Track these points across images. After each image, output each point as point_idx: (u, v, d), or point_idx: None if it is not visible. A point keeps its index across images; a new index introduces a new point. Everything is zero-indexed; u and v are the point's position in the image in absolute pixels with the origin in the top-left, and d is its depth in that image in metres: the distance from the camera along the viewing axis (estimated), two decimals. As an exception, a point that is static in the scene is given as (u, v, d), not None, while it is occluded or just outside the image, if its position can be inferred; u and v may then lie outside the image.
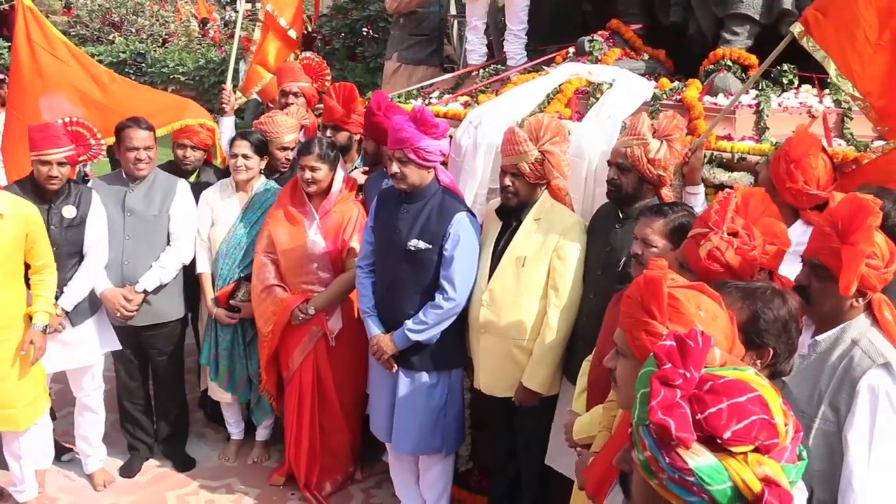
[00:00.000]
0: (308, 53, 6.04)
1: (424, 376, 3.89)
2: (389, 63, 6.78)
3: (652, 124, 3.42)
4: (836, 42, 3.36)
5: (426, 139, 3.60)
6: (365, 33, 9.87)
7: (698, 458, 1.29)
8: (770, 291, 2.16)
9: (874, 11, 3.28)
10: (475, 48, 5.81)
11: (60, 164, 4.06)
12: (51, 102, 4.95)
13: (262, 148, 4.59)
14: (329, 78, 5.68)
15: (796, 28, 3.46)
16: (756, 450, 1.29)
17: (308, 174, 4.20)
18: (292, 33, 6.49)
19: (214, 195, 4.63)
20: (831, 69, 3.41)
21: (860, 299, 2.46)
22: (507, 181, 3.61)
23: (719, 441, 1.29)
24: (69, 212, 4.16)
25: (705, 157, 3.71)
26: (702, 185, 3.64)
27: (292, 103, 5.28)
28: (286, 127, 4.73)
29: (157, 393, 4.85)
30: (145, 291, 4.38)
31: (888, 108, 3.37)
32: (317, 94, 5.52)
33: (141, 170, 4.38)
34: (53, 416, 4.79)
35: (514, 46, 5.58)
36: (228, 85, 5.86)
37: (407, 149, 3.61)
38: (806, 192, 3.20)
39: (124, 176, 4.44)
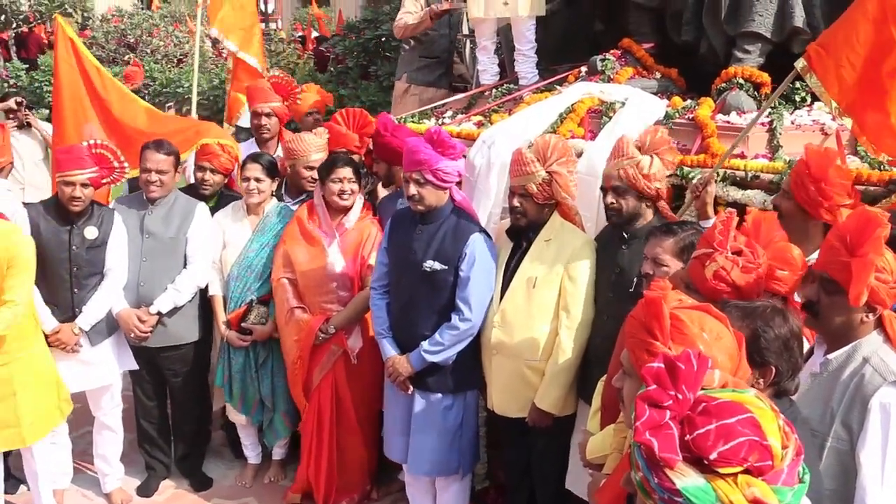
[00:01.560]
0: (276, 72, 6.08)
1: (440, 397, 3.88)
2: (399, 83, 6.84)
3: (635, 142, 3.44)
4: (836, 78, 3.38)
5: (444, 160, 3.62)
6: (377, 52, 9.93)
7: (686, 479, 1.31)
8: (770, 310, 2.17)
9: (873, 47, 3.29)
10: (486, 68, 5.86)
11: (84, 185, 4.11)
12: (90, 129, 5.06)
13: (274, 170, 4.62)
14: (299, 95, 5.69)
15: (800, 64, 3.48)
16: (747, 471, 1.30)
17: (347, 186, 4.23)
18: (248, 58, 6.65)
19: (226, 218, 4.66)
20: (832, 106, 3.44)
21: (870, 315, 2.46)
22: (516, 202, 3.63)
23: (706, 462, 1.30)
24: (91, 233, 4.20)
25: (718, 175, 3.72)
26: (714, 219, 3.62)
27: (265, 124, 5.31)
28: (314, 146, 4.68)
29: (174, 413, 4.87)
30: (159, 313, 4.41)
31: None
32: (288, 112, 5.54)
33: (152, 192, 4.43)
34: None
35: (525, 66, 5.62)
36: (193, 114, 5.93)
37: (425, 170, 3.63)
38: (844, 206, 3.18)
39: (144, 198, 4.49)
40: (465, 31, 7.09)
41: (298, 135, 4.77)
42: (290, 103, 5.59)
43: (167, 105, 11.36)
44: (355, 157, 4.63)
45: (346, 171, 4.23)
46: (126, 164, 4.38)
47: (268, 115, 5.35)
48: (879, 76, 3.30)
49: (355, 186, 4.27)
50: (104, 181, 4.29)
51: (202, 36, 14.42)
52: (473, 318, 3.71)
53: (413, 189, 3.69)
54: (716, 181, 3.70)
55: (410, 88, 6.79)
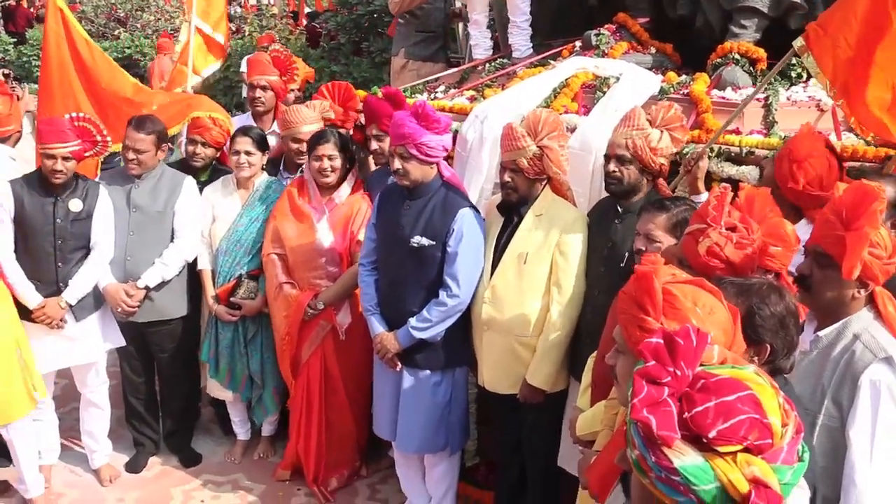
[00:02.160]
0: (276, 46, 6.01)
1: (428, 374, 3.87)
2: (396, 59, 6.78)
3: (647, 115, 3.41)
4: (832, 59, 3.37)
5: (428, 134, 3.58)
6: (370, 28, 9.84)
7: (684, 458, 1.28)
8: (766, 287, 2.13)
9: (870, 28, 3.27)
10: (479, 42, 5.81)
11: (65, 158, 4.06)
12: (68, 99, 5.04)
13: (264, 144, 4.57)
14: (297, 72, 5.62)
15: (798, 42, 3.48)
16: (746, 450, 1.27)
17: (326, 163, 4.19)
18: (218, 37, 6.65)
19: (216, 192, 4.62)
20: (827, 87, 3.43)
21: (862, 290, 2.45)
22: (507, 177, 3.59)
23: (705, 440, 1.27)
24: (75, 205, 4.16)
25: (713, 150, 3.68)
26: (705, 194, 3.57)
27: (260, 97, 5.24)
28: (308, 119, 4.57)
29: (162, 389, 4.85)
30: (147, 288, 4.37)
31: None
32: (285, 87, 5.46)
33: (131, 169, 4.38)
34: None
35: (519, 38, 5.57)
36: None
37: (409, 144, 3.59)
38: (808, 193, 3.17)
39: (127, 172, 4.44)
40: (459, 4, 7.00)
41: (294, 106, 4.70)
42: (286, 79, 5.52)
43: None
44: (342, 132, 4.57)
45: (327, 148, 4.18)
46: (108, 138, 4.33)
47: (263, 87, 5.27)
48: (873, 59, 3.29)
49: (337, 163, 4.22)
50: (87, 154, 4.24)
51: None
52: (461, 294, 3.68)
53: (398, 163, 3.65)
54: (710, 157, 3.67)
55: (408, 64, 6.73)
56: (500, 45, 5.96)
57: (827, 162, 3.20)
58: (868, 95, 3.37)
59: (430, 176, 3.74)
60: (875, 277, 2.41)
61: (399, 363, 3.87)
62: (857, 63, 3.35)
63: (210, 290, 4.52)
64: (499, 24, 5.98)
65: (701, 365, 1.40)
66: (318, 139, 4.25)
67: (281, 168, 4.84)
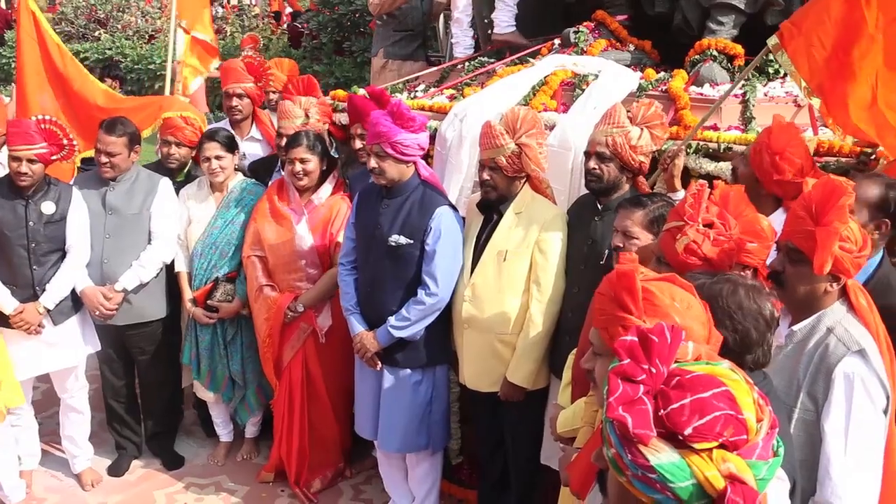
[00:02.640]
0: (249, 52, 5.99)
1: (409, 373, 3.87)
2: (376, 60, 6.77)
3: (628, 112, 3.40)
4: (807, 58, 3.39)
5: (403, 133, 3.58)
6: (351, 28, 9.83)
7: (660, 455, 1.27)
8: (720, 281, 2.11)
9: (845, 28, 3.29)
10: (460, 41, 5.80)
11: (30, 161, 4.04)
12: (44, 99, 5.01)
13: (233, 144, 4.56)
14: (273, 77, 5.59)
15: (772, 41, 3.49)
16: (722, 446, 1.27)
17: (298, 166, 4.16)
18: (207, 38, 6.66)
19: (191, 194, 4.60)
20: (802, 85, 3.44)
21: (834, 284, 2.46)
22: (486, 175, 3.59)
23: (681, 437, 1.26)
24: (48, 207, 4.13)
25: (691, 147, 3.69)
26: (682, 192, 3.58)
27: (237, 105, 5.20)
28: (294, 115, 4.53)
29: (143, 392, 4.83)
30: (124, 290, 4.35)
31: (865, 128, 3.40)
32: (262, 93, 5.44)
33: (104, 172, 4.35)
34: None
35: (503, 14, 5.53)
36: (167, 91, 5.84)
37: (384, 143, 3.60)
38: (793, 183, 3.18)
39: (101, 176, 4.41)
40: None
41: (281, 103, 4.64)
42: (262, 84, 5.50)
43: None
44: (319, 133, 4.53)
45: (299, 151, 4.16)
46: (75, 142, 4.33)
47: (240, 95, 5.23)
48: (850, 59, 3.30)
49: (311, 166, 4.18)
50: (53, 158, 4.20)
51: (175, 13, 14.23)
52: (440, 292, 3.67)
53: (374, 162, 3.66)
54: (689, 153, 3.67)
55: (388, 63, 6.72)
56: (481, 44, 5.95)
57: (804, 149, 3.23)
58: (851, 94, 3.37)
59: (408, 175, 3.74)
60: (846, 271, 2.42)
61: (379, 362, 3.87)
62: (833, 63, 3.36)
63: (187, 293, 4.50)
64: (479, 23, 5.98)
65: (675, 362, 1.40)
66: (290, 142, 4.23)
67: (278, 166, 4.77)
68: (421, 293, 3.69)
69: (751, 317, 2.04)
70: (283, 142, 4.45)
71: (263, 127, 5.29)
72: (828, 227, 2.35)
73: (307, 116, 4.54)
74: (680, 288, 1.82)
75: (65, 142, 4.21)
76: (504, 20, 5.56)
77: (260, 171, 4.81)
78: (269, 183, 4.58)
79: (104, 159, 4.32)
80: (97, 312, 4.32)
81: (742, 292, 2.06)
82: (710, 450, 1.27)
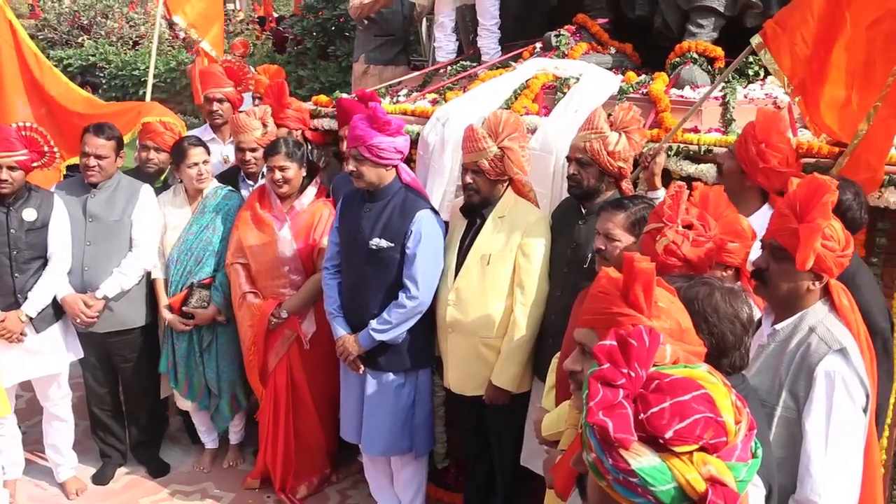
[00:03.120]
0: (228, 56, 5.99)
1: (391, 377, 3.87)
2: (357, 65, 6.77)
3: (609, 117, 3.42)
4: (790, 56, 3.42)
5: (378, 136, 3.61)
6: (336, 32, 9.82)
7: (641, 459, 1.27)
8: (696, 285, 2.10)
9: (827, 26, 3.33)
10: (443, 45, 5.82)
11: (10, 168, 4.01)
12: (18, 107, 4.98)
13: (207, 149, 4.57)
14: (252, 80, 5.61)
15: (755, 40, 3.54)
16: (702, 449, 1.27)
17: (278, 174, 4.16)
18: (209, 48, 6.61)
19: (166, 201, 4.59)
20: (785, 83, 3.48)
21: (816, 283, 2.49)
22: (469, 178, 3.60)
23: (662, 441, 1.26)
24: (29, 215, 4.11)
25: (671, 149, 3.71)
26: (663, 190, 3.58)
27: (217, 109, 5.21)
28: (249, 128, 4.55)
29: (127, 400, 4.79)
30: (105, 298, 4.33)
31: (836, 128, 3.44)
32: (241, 97, 5.45)
33: (91, 177, 4.32)
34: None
35: (488, 41, 5.61)
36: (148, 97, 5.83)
37: (361, 146, 3.63)
38: (778, 171, 3.21)
39: (86, 181, 4.39)
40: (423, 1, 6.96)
41: (234, 116, 4.66)
42: (241, 88, 5.50)
43: None
44: (284, 129, 4.54)
45: (278, 159, 4.16)
46: (56, 149, 4.30)
47: (220, 100, 5.25)
48: (829, 58, 3.34)
49: (290, 173, 4.17)
50: (34, 165, 4.18)
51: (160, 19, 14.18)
52: (420, 295, 3.68)
53: (353, 165, 3.69)
54: (670, 155, 3.70)
55: (369, 69, 6.73)
56: (464, 48, 5.97)
57: (787, 138, 3.27)
58: (824, 95, 3.42)
59: (388, 179, 3.75)
60: (829, 269, 2.45)
61: (361, 366, 3.87)
62: (814, 61, 3.39)
63: (163, 300, 4.49)
64: (462, 27, 6.00)
65: (654, 365, 1.40)
66: (268, 150, 4.23)
67: (242, 175, 4.79)
68: (402, 296, 3.70)
69: (727, 320, 2.03)
70: (245, 156, 4.53)
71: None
72: (811, 223, 2.38)
73: (264, 126, 4.56)
74: (666, 290, 1.83)
75: (45, 149, 4.19)
76: (491, 47, 5.62)
77: (225, 183, 4.76)
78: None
79: (92, 162, 4.29)
80: (78, 320, 4.29)
81: (718, 295, 2.05)
82: (691, 453, 1.27)
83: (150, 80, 6.25)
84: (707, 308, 2.04)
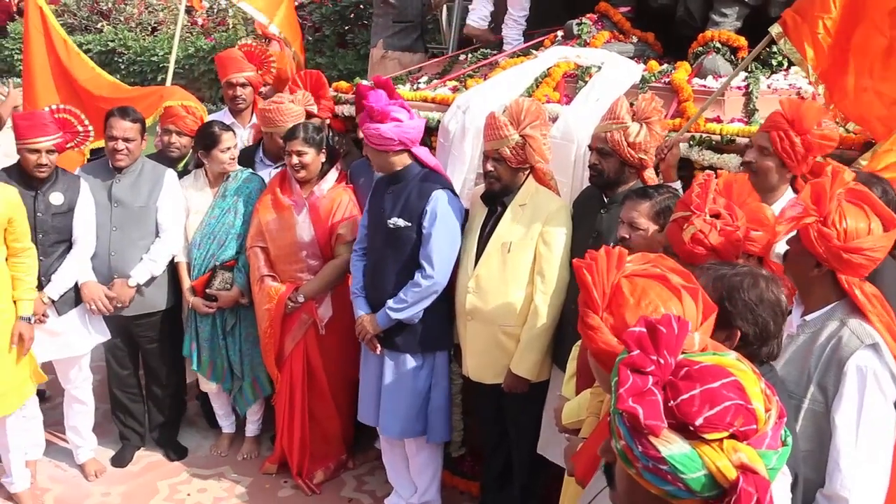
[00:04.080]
0: (248, 40, 5.97)
1: (409, 358, 3.91)
2: (375, 50, 6.75)
3: (631, 107, 3.40)
4: (812, 45, 3.41)
5: (367, 124, 3.70)
6: (354, 20, 9.81)
7: (671, 446, 1.26)
8: (740, 274, 2.12)
9: (848, 13, 3.30)
10: (478, 8, 5.78)
11: (49, 151, 4.04)
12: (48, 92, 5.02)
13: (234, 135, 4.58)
14: (274, 64, 5.61)
15: (775, 29, 3.53)
16: (732, 436, 1.26)
17: (295, 159, 4.17)
18: (275, 30, 6.57)
19: (188, 185, 4.61)
20: (808, 73, 3.45)
21: (816, 269, 2.48)
22: (490, 166, 3.60)
23: (692, 428, 1.26)
24: (56, 198, 4.13)
25: (694, 139, 3.69)
26: (679, 182, 3.57)
27: (240, 94, 5.19)
28: (292, 115, 4.48)
29: (148, 382, 4.82)
30: (138, 285, 4.37)
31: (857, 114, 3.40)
32: (262, 81, 5.44)
33: (119, 160, 4.34)
34: (43, 396, 4.85)
35: (513, 31, 5.61)
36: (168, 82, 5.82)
37: (362, 132, 3.78)
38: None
39: (111, 166, 4.41)
40: None
41: (277, 104, 4.57)
42: (263, 72, 5.49)
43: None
44: (315, 122, 4.49)
45: (296, 144, 4.16)
46: (90, 128, 4.32)
47: (242, 85, 5.21)
48: (849, 46, 3.31)
49: (308, 158, 4.17)
50: (68, 146, 4.21)
51: (176, 3, 14.18)
52: (436, 275, 3.71)
53: (365, 149, 3.83)
54: (692, 145, 3.67)
55: (387, 55, 6.70)
56: (497, 23, 5.96)
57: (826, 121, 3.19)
58: (849, 83, 3.39)
59: (400, 164, 3.81)
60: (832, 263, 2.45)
61: (378, 345, 3.90)
62: (836, 49, 3.37)
63: (186, 283, 4.51)
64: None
65: (682, 353, 1.39)
66: (288, 135, 4.23)
67: (261, 154, 4.80)
68: (417, 275, 3.73)
69: (770, 309, 2.07)
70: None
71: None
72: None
73: (307, 114, 4.56)
74: (663, 289, 1.77)
75: (80, 128, 4.23)
76: (514, 36, 5.66)
77: (241, 163, 4.77)
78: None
79: (121, 146, 4.30)
80: (90, 307, 4.30)
81: (763, 284, 2.08)
82: (721, 440, 1.26)
83: (171, 67, 6.25)
84: (753, 297, 2.06)
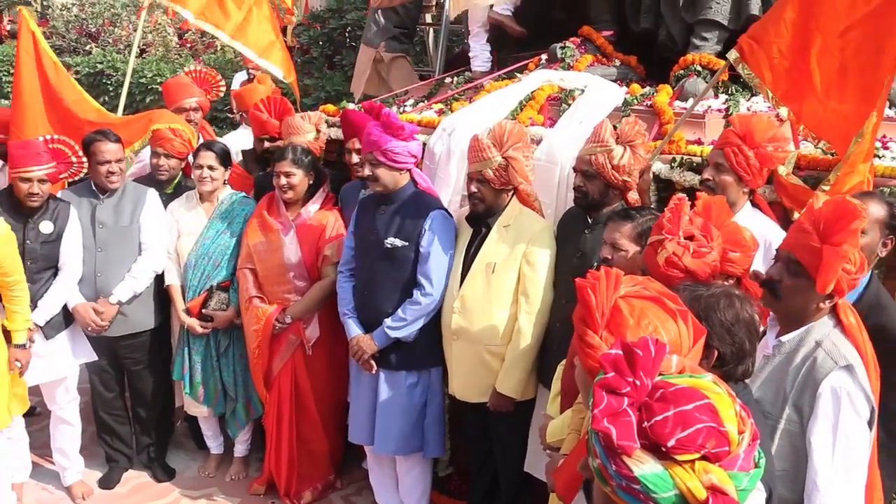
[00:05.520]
0: (195, 66, 6.10)
1: (405, 375, 3.94)
2: (376, 51, 6.70)
3: (615, 130, 3.46)
4: (770, 69, 3.48)
5: (393, 141, 3.69)
6: (342, 42, 9.87)
7: (643, 466, 1.30)
8: (716, 294, 2.16)
9: (801, 34, 3.39)
10: (478, 54, 5.84)
11: (41, 181, 4.07)
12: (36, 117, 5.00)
13: (227, 158, 4.60)
14: (223, 86, 5.74)
15: (732, 55, 3.61)
16: (704, 458, 1.30)
17: (284, 180, 4.22)
18: (270, 67, 6.51)
19: (180, 207, 4.64)
20: (769, 95, 3.54)
21: (827, 301, 2.47)
22: (474, 188, 3.66)
23: (664, 449, 1.29)
24: (46, 227, 4.16)
25: (675, 161, 3.74)
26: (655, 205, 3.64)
27: (193, 119, 5.32)
28: (304, 130, 4.56)
29: (135, 403, 4.82)
30: (119, 303, 4.37)
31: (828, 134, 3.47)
32: (209, 105, 5.61)
33: (113, 182, 4.38)
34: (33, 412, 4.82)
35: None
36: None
37: (377, 151, 3.71)
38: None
39: (93, 188, 4.44)
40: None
41: (291, 120, 4.62)
42: (212, 96, 5.67)
43: None
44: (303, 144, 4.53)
45: (283, 165, 4.22)
46: (84, 159, 4.35)
47: (195, 109, 5.42)
48: (808, 63, 3.37)
49: (295, 179, 4.22)
50: (61, 176, 4.25)
51: (165, 26, 14.22)
52: (434, 292, 3.76)
53: (369, 169, 3.79)
54: (673, 167, 3.73)
55: (396, 55, 6.74)
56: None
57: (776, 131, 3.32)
58: (814, 103, 3.44)
59: (402, 182, 3.83)
60: (842, 291, 2.43)
61: (374, 365, 3.93)
62: (794, 72, 3.44)
63: (180, 305, 4.53)
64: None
65: (660, 374, 1.43)
66: (276, 156, 4.29)
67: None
68: (416, 294, 3.77)
69: (745, 328, 2.11)
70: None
71: (208, 137, 5.46)
72: (837, 247, 2.34)
73: (318, 131, 4.61)
74: (660, 310, 1.83)
75: (73, 159, 4.27)
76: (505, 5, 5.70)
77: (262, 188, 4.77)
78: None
79: (115, 168, 4.36)
80: (89, 329, 4.34)
81: (738, 304, 2.13)
82: (693, 461, 1.29)
83: (127, 83, 6.09)
84: (729, 317, 2.11)
